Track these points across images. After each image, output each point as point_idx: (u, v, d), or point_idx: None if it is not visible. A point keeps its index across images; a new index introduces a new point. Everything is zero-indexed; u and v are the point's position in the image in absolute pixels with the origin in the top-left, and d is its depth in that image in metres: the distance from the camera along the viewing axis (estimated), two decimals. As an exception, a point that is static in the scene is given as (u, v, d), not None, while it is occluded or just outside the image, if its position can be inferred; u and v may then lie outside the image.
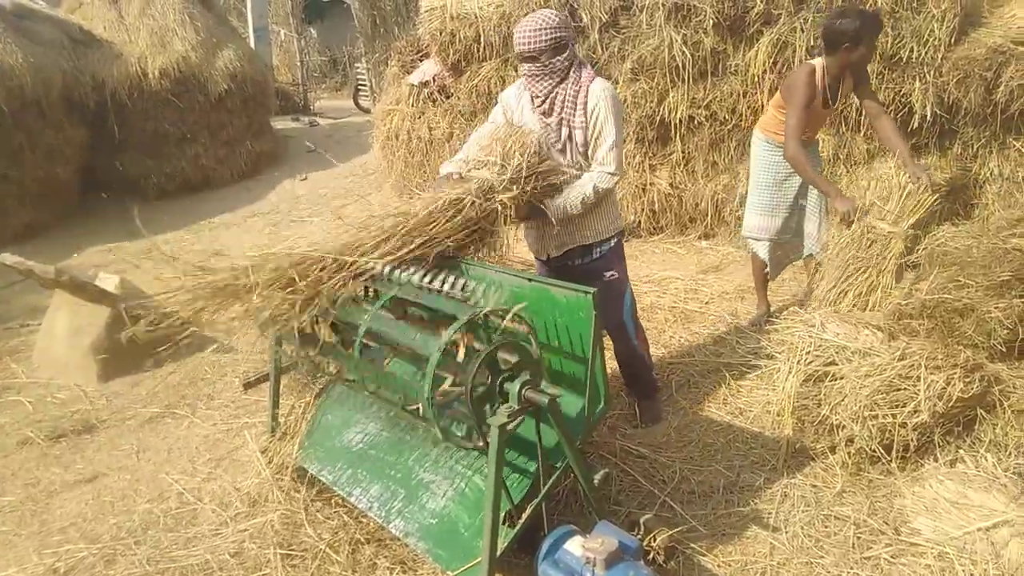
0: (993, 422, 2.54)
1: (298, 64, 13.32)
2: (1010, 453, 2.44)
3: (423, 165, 6.61)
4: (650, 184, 5.42)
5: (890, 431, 2.47)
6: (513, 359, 1.96)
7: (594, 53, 5.29)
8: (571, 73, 2.58)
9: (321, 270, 2.14)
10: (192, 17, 8.04)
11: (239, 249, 6.02)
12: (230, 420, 3.47)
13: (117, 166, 7.71)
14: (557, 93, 2.59)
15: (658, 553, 2.20)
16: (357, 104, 12.07)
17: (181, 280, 2.10)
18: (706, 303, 4.29)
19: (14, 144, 6.59)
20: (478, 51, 5.89)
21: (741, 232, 3.94)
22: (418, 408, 2.09)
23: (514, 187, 2.43)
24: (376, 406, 2.63)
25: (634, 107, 5.15)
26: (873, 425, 2.47)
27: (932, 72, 4.26)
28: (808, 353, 2.66)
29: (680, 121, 5.12)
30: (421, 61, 6.72)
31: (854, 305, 3.18)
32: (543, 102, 2.61)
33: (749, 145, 4.93)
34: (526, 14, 2.70)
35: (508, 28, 5.43)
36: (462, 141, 6.20)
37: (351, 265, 2.17)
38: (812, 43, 4.54)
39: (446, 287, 2.15)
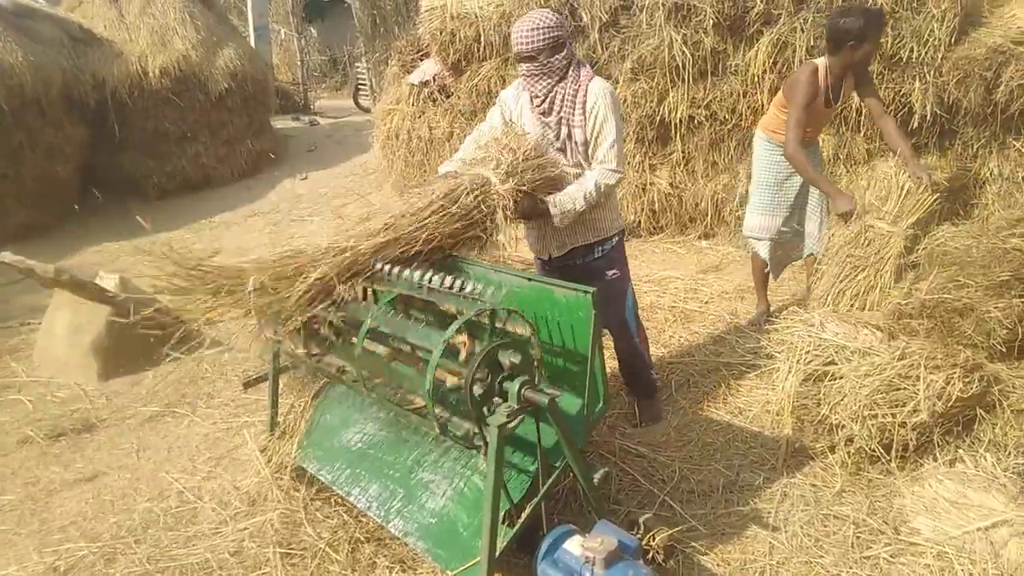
0: (992, 422, 2.54)
1: (298, 63, 13.31)
2: (1009, 453, 2.44)
3: (423, 164, 6.61)
4: (650, 184, 5.42)
5: (889, 431, 2.47)
6: (513, 359, 1.96)
7: (594, 53, 5.29)
8: (569, 72, 2.58)
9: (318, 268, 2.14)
10: (192, 16, 8.04)
11: (241, 248, 6.04)
12: (230, 419, 3.48)
13: (117, 165, 7.71)
14: (556, 92, 2.59)
15: (657, 552, 2.21)
16: (357, 103, 12.07)
17: (175, 279, 2.11)
18: (706, 303, 4.29)
19: (14, 143, 6.60)
20: (478, 50, 5.89)
21: (742, 231, 3.95)
22: (418, 407, 2.10)
23: (510, 180, 2.43)
24: (375, 406, 2.63)
25: (634, 107, 5.15)
26: (872, 425, 2.47)
27: (932, 72, 4.26)
28: (808, 353, 2.66)
29: (680, 121, 5.12)
30: (421, 60, 6.72)
31: (852, 304, 3.18)
32: (542, 101, 2.62)
33: (749, 145, 4.95)
34: (526, 13, 2.70)
35: (508, 27, 5.42)
36: (462, 140, 6.19)
37: (349, 262, 2.17)
38: (812, 43, 4.54)
39: (446, 285, 2.15)
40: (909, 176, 3.27)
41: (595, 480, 2.20)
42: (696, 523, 2.48)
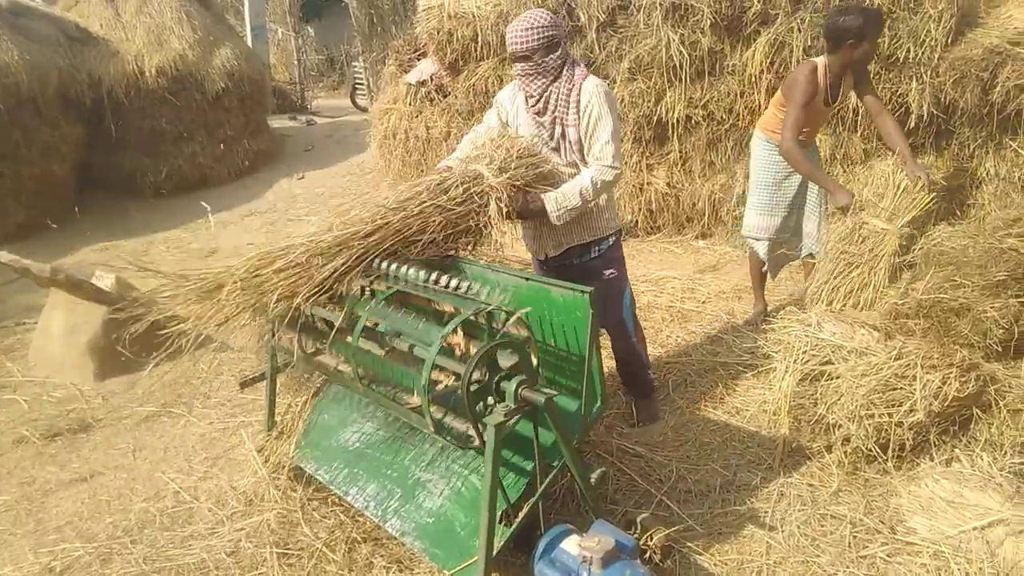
0: (989, 421, 2.54)
1: (295, 63, 13.30)
2: (1005, 452, 2.45)
3: (420, 164, 6.60)
4: (647, 184, 5.43)
5: (886, 430, 2.47)
6: (511, 358, 1.96)
7: (592, 52, 5.30)
8: (564, 72, 2.58)
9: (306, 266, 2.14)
10: (189, 15, 8.03)
11: (237, 247, 6.02)
12: (226, 419, 3.47)
13: (113, 164, 7.69)
14: (551, 92, 2.59)
15: (655, 552, 2.21)
16: (354, 103, 12.06)
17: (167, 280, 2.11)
18: (703, 302, 4.29)
19: (10, 142, 6.58)
20: (475, 50, 5.88)
21: (741, 231, 3.95)
22: (414, 406, 2.09)
23: (503, 174, 2.44)
24: (373, 406, 2.63)
25: (631, 107, 5.16)
26: (869, 424, 2.47)
27: (929, 72, 4.26)
28: (804, 352, 2.66)
29: (677, 121, 5.13)
30: (419, 60, 6.72)
31: (845, 302, 3.19)
32: (537, 101, 2.62)
33: (746, 145, 4.96)
34: (522, 13, 2.71)
35: (505, 27, 5.42)
36: (459, 140, 6.20)
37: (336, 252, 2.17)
38: (809, 43, 4.55)
39: (443, 285, 2.15)
40: (907, 175, 3.27)
41: (592, 480, 2.21)
42: (693, 523, 2.48)
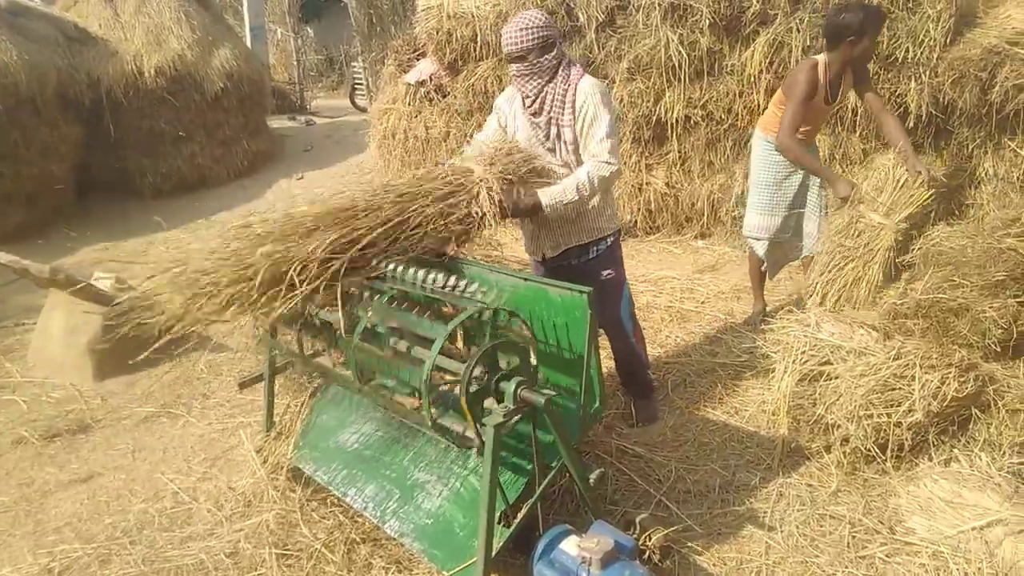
0: (987, 421, 2.54)
1: (294, 63, 13.29)
2: (1004, 452, 2.45)
3: (420, 164, 6.60)
4: (646, 184, 5.43)
5: (885, 430, 2.47)
6: (510, 359, 1.96)
7: (590, 52, 5.30)
8: (560, 72, 2.58)
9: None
10: (188, 15, 8.01)
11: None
12: (225, 420, 3.47)
13: (112, 165, 7.69)
14: (546, 92, 2.59)
15: (654, 552, 2.21)
16: (353, 103, 12.06)
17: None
18: (702, 303, 4.29)
19: (9, 142, 6.57)
20: (475, 50, 5.89)
21: (742, 231, 3.95)
22: (415, 407, 2.09)
23: (492, 167, 2.45)
24: (371, 407, 2.63)
25: (630, 107, 5.16)
26: (868, 424, 2.47)
27: (927, 72, 4.26)
28: (803, 353, 2.66)
29: (676, 121, 5.13)
30: (418, 60, 6.72)
31: (839, 296, 3.19)
32: (533, 102, 2.62)
33: (745, 145, 4.97)
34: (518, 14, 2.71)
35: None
36: (458, 140, 6.27)
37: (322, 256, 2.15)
38: (808, 43, 4.55)
39: (441, 285, 2.15)
40: (907, 171, 3.28)
41: (591, 480, 2.21)
42: (692, 523, 2.48)
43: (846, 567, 2.25)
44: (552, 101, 2.59)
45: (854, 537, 2.36)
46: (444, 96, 6.38)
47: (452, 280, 2.15)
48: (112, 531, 2.70)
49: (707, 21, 4.78)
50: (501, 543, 2.02)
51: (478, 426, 1.91)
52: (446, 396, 2.02)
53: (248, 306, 2.06)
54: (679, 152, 5.31)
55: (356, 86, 12.08)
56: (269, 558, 2.43)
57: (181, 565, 2.47)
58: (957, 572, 2.13)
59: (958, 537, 2.21)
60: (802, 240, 3.73)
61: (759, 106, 4.81)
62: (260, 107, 8.89)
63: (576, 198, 2.54)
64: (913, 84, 4.32)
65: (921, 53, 4.24)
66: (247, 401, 3.55)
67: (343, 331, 2.14)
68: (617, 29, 5.22)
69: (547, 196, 2.52)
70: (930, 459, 2.52)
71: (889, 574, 2.22)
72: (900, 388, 2.46)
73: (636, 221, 5.51)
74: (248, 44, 10.32)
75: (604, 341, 2.94)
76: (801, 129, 3.44)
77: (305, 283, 2.05)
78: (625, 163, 5.43)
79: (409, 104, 6.61)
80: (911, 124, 4.37)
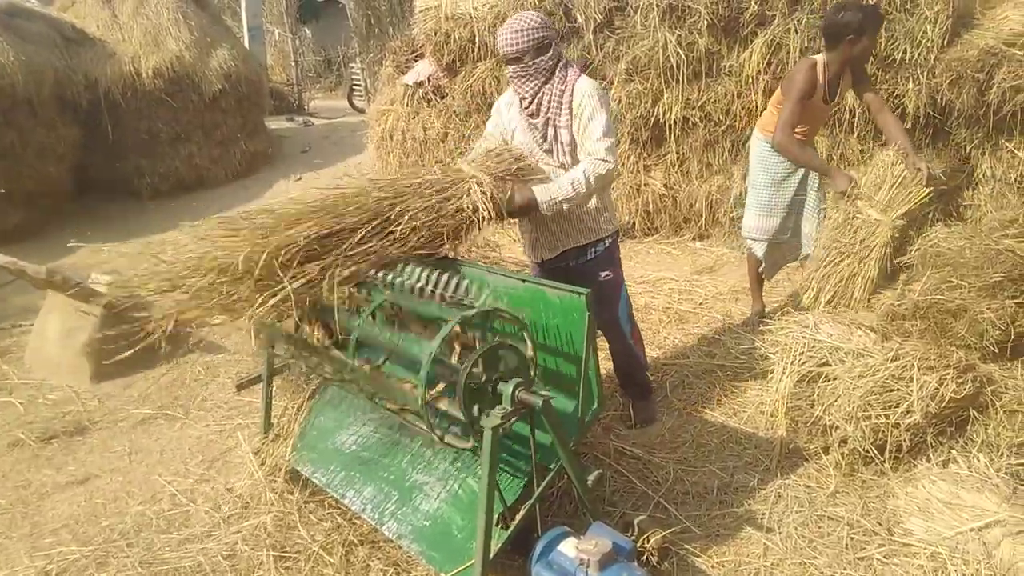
0: (985, 423, 2.55)
1: (292, 64, 13.28)
2: (1002, 453, 2.45)
3: (418, 165, 6.59)
4: (644, 185, 5.43)
5: (883, 432, 2.47)
6: (508, 361, 1.96)
7: (589, 53, 5.29)
8: (556, 73, 2.58)
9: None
10: (186, 16, 8.01)
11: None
12: (223, 421, 3.46)
13: (110, 166, 7.68)
14: (543, 94, 2.59)
15: (652, 554, 2.20)
16: (352, 104, 12.06)
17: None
18: (700, 304, 4.29)
19: (5, 143, 6.56)
20: (473, 51, 5.89)
21: (740, 232, 3.96)
22: (412, 410, 2.09)
23: (483, 165, 2.45)
24: (369, 408, 2.62)
25: (629, 108, 5.16)
26: (866, 426, 2.47)
27: (925, 73, 4.27)
28: (802, 354, 2.66)
29: (675, 122, 5.13)
30: (416, 61, 6.72)
31: (834, 291, 3.20)
32: (530, 103, 2.62)
33: (743, 146, 4.97)
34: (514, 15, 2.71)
35: (503, 28, 5.43)
36: (456, 141, 6.27)
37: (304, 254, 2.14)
38: (806, 44, 4.55)
39: (440, 287, 2.15)
40: (907, 166, 3.28)
41: (589, 482, 2.20)
42: (690, 524, 2.48)
43: (844, 568, 2.25)
44: (549, 102, 2.59)
45: (852, 538, 2.36)
46: (442, 97, 6.38)
47: (449, 281, 2.15)
48: (109, 533, 2.69)
49: (705, 22, 4.79)
50: (499, 545, 2.01)
51: (476, 428, 1.91)
52: (445, 397, 2.01)
53: (233, 302, 2.05)
54: (677, 153, 5.31)
55: (354, 87, 12.08)
56: (267, 560, 2.43)
57: (179, 567, 2.46)
58: (955, 573, 2.13)
59: (956, 538, 2.21)
60: (801, 240, 3.73)
61: (757, 107, 4.81)
62: (258, 108, 8.89)
63: (572, 194, 2.51)
64: (911, 85, 4.32)
65: (919, 54, 4.25)
66: (245, 403, 3.54)
67: (335, 340, 2.14)
68: (615, 30, 5.22)
69: (542, 193, 2.51)
70: (928, 460, 2.52)
71: (887, 575, 2.22)
72: (898, 389, 2.47)
73: (634, 222, 5.51)
74: (246, 45, 10.30)
75: (602, 342, 2.94)
76: (800, 129, 3.45)
77: (289, 276, 2.03)
78: (623, 164, 5.43)
79: (407, 105, 6.61)
80: (909, 125, 4.37)
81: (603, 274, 2.81)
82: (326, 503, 2.66)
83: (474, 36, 5.75)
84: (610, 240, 2.82)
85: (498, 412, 1.88)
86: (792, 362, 2.66)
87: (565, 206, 2.54)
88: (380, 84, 7.34)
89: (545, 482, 2.11)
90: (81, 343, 3.93)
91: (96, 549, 2.60)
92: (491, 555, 1.94)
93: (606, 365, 3.06)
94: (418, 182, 2.38)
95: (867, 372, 2.51)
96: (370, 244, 2.22)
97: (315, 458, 2.64)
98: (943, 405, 2.45)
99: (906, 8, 4.30)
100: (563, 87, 2.57)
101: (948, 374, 2.47)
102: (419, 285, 2.17)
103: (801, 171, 3.58)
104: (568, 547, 1.94)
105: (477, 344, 1.95)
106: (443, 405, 2.00)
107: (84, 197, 7.49)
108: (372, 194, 2.31)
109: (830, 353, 2.63)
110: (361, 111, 11.22)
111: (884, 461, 2.53)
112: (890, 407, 2.46)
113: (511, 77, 2.63)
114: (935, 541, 2.24)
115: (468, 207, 2.38)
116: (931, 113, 4.32)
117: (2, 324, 4.77)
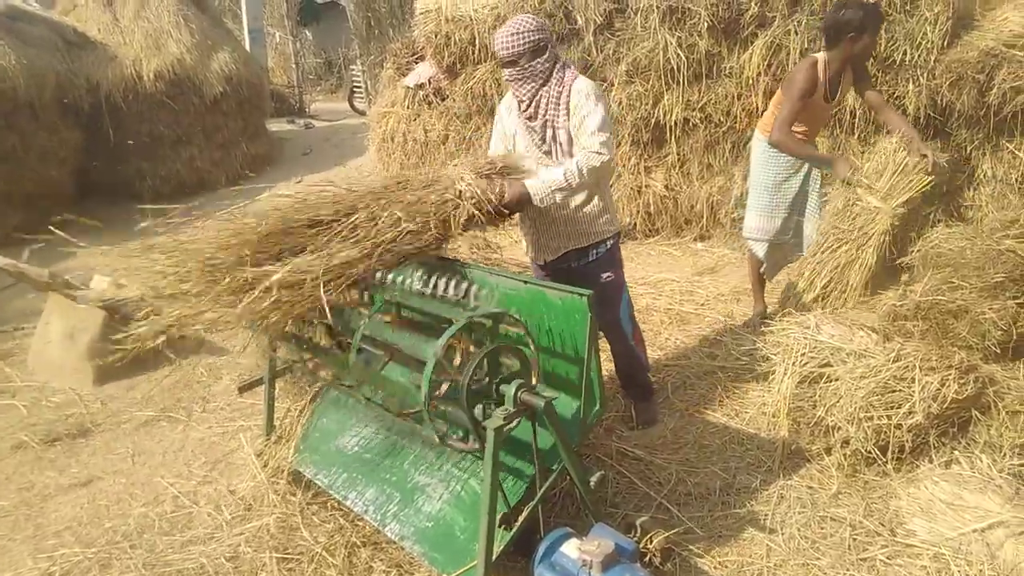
0: (988, 423, 2.54)
1: (293, 66, 13.32)
2: (1005, 454, 2.45)
3: (419, 167, 6.61)
4: (645, 186, 5.43)
5: (885, 432, 2.47)
6: (510, 361, 1.96)
7: (589, 55, 5.30)
8: (554, 75, 2.58)
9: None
10: (187, 19, 8.03)
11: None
12: (225, 423, 3.46)
13: (111, 169, 7.69)
14: (540, 96, 2.59)
15: (654, 555, 2.21)
16: (352, 106, 12.08)
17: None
18: (702, 305, 4.29)
19: (7, 146, 6.57)
20: (473, 53, 5.90)
21: (741, 233, 3.96)
22: (415, 411, 2.09)
23: (469, 167, 2.46)
24: (371, 410, 2.63)
25: (629, 109, 5.17)
26: (868, 426, 2.47)
27: (925, 75, 4.28)
28: (803, 355, 2.66)
29: (675, 123, 5.14)
30: (416, 63, 6.73)
31: (830, 279, 3.20)
32: (528, 106, 2.62)
33: (744, 147, 4.97)
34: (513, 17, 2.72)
35: (503, 31, 5.44)
36: (457, 143, 6.27)
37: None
38: (806, 46, 4.56)
39: (441, 289, 2.15)
40: (911, 153, 3.29)
41: (592, 483, 2.20)
42: (693, 525, 2.48)
43: (847, 569, 2.25)
44: (547, 104, 2.59)
45: (855, 539, 2.36)
46: (443, 99, 6.39)
47: (451, 283, 2.15)
48: (112, 535, 2.69)
49: (705, 24, 4.80)
50: (502, 546, 2.01)
51: (478, 430, 1.91)
52: (447, 399, 2.02)
53: (219, 303, 2.05)
54: (678, 154, 5.31)
55: (355, 89, 12.10)
56: (270, 562, 2.43)
57: (182, 569, 2.47)
58: (958, 574, 2.13)
59: (959, 539, 2.21)
60: (802, 241, 3.73)
61: (758, 108, 4.82)
62: (259, 110, 8.91)
63: (563, 184, 2.47)
64: (911, 86, 4.33)
65: (919, 56, 4.26)
66: (247, 405, 3.55)
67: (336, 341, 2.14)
68: (615, 32, 5.23)
69: (534, 185, 2.48)
70: (930, 461, 2.52)
71: (890, 576, 2.22)
72: (900, 390, 2.47)
73: (635, 224, 5.51)
74: (247, 48, 10.33)
75: (604, 344, 2.94)
76: (800, 129, 3.46)
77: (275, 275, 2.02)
78: (624, 165, 5.44)
79: (408, 107, 6.62)
80: (909, 126, 4.38)
81: (605, 275, 2.82)
82: (329, 505, 2.66)
83: (474, 38, 5.77)
84: (612, 241, 2.83)
85: (500, 413, 1.89)
86: (794, 363, 2.66)
87: (559, 196, 2.49)
88: (381, 86, 7.36)
89: (547, 483, 2.11)
90: (83, 346, 3.94)
91: (99, 551, 2.61)
92: (494, 556, 1.94)
93: (608, 366, 3.06)
94: (400, 181, 2.38)
95: (869, 373, 2.51)
96: (356, 236, 2.20)
97: (318, 460, 2.64)
98: (945, 406, 2.45)
99: (906, 9, 4.31)
100: (560, 88, 2.57)
101: (950, 375, 2.47)
102: (421, 287, 2.18)
103: (803, 172, 3.59)
104: (571, 548, 1.94)
105: (474, 347, 1.96)
106: (446, 406, 2.01)
107: (86, 200, 7.49)
108: (353, 194, 2.31)
109: (832, 354, 2.63)
110: (362, 113, 11.24)
111: (886, 462, 2.53)
112: (892, 408, 2.46)
113: (508, 80, 2.64)
114: (938, 542, 2.24)
115: (453, 195, 2.36)
116: (931, 114, 4.33)
117: (4, 327, 4.77)
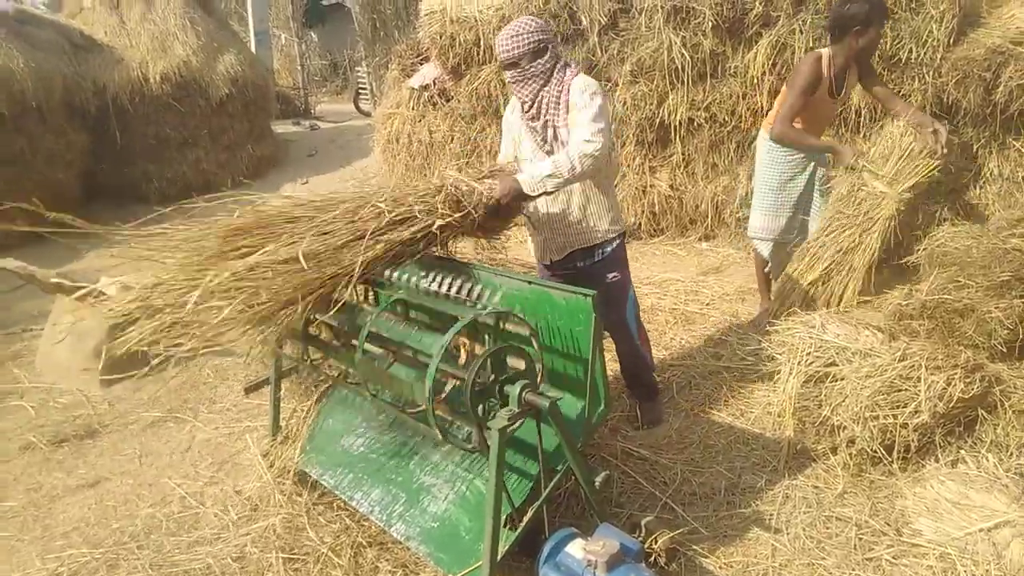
0: (994, 422, 2.53)
1: (299, 68, 13.35)
2: (1011, 453, 2.44)
3: (424, 168, 6.62)
4: (650, 186, 5.43)
5: (891, 432, 2.47)
6: (515, 361, 1.96)
7: (593, 56, 5.31)
8: (555, 75, 2.59)
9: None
10: (193, 22, 8.08)
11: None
12: (232, 424, 3.48)
13: (118, 171, 7.74)
14: (542, 96, 2.60)
15: (660, 555, 2.20)
16: (358, 108, 12.10)
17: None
18: (707, 305, 4.29)
19: (15, 149, 6.62)
20: (478, 54, 5.91)
21: (747, 232, 3.96)
22: (419, 409, 2.10)
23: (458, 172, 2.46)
24: (377, 410, 2.64)
25: (634, 109, 5.16)
26: (874, 426, 2.47)
27: (931, 73, 4.26)
28: (809, 354, 2.66)
29: (680, 123, 5.13)
30: (421, 65, 6.74)
31: (831, 262, 3.19)
32: (530, 107, 2.63)
33: (749, 147, 4.96)
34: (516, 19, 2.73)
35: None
36: (462, 144, 6.28)
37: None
38: (811, 45, 4.55)
39: (446, 288, 2.16)
40: (922, 132, 3.30)
41: (596, 483, 2.20)
42: (698, 525, 2.48)
43: (853, 569, 2.24)
44: (547, 104, 2.60)
45: (861, 539, 2.36)
46: (448, 100, 6.39)
47: (455, 283, 2.16)
48: (120, 536, 2.71)
49: (710, 23, 4.79)
50: (507, 546, 2.02)
51: (483, 430, 1.91)
52: (451, 400, 2.03)
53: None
54: (683, 154, 5.31)
55: (360, 91, 12.13)
56: (276, 562, 2.44)
57: (188, 569, 2.48)
58: (965, 574, 2.12)
59: (965, 539, 2.20)
60: (807, 240, 3.72)
61: (762, 108, 4.81)
62: (265, 112, 8.95)
63: (552, 172, 2.42)
64: (917, 84, 4.31)
65: (925, 53, 4.24)
66: (253, 405, 3.56)
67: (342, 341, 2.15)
68: (620, 32, 5.23)
69: (524, 177, 2.46)
70: (936, 460, 2.51)
71: (896, 576, 2.22)
72: (906, 389, 2.46)
73: (640, 223, 5.51)
74: (252, 50, 10.37)
75: (608, 343, 2.94)
76: (807, 126, 3.45)
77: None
78: (628, 165, 5.44)
79: (413, 108, 6.63)
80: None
81: (610, 275, 2.82)
82: (335, 505, 2.67)
83: (479, 39, 5.77)
84: (617, 241, 2.83)
85: (505, 414, 1.89)
86: (799, 362, 2.65)
87: (550, 185, 2.45)
88: (386, 87, 7.37)
89: (552, 483, 2.11)
90: (91, 347, 3.96)
91: (106, 551, 2.62)
92: (499, 557, 1.94)
93: (612, 366, 3.06)
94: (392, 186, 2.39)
95: (874, 372, 2.50)
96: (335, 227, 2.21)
97: (323, 460, 2.65)
98: (951, 405, 2.44)
99: (912, 8, 4.30)
100: (560, 87, 2.57)
101: (956, 374, 2.46)
102: (427, 285, 2.18)
103: (808, 171, 3.58)
104: (576, 548, 1.95)
105: (480, 347, 1.96)
106: (450, 407, 2.01)
107: (93, 203, 7.54)
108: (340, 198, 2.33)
109: (837, 353, 2.63)
110: (367, 114, 11.27)
111: (892, 461, 2.52)
112: (898, 407, 2.45)
113: (510, 82, 2.65)
114: (944, 542, 2.23)
115: (436, 182, 2.36)
116: (938, 112, 4.31)
117: (12, 329, 4.81)
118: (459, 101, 6.25)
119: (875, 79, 3.57)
